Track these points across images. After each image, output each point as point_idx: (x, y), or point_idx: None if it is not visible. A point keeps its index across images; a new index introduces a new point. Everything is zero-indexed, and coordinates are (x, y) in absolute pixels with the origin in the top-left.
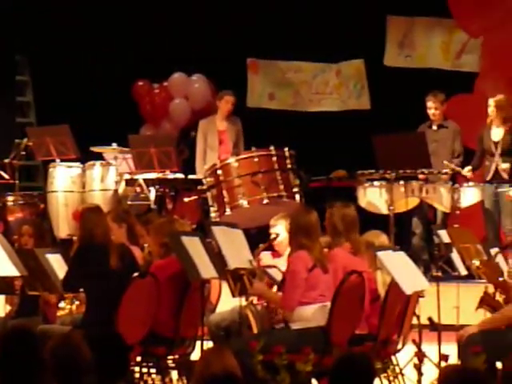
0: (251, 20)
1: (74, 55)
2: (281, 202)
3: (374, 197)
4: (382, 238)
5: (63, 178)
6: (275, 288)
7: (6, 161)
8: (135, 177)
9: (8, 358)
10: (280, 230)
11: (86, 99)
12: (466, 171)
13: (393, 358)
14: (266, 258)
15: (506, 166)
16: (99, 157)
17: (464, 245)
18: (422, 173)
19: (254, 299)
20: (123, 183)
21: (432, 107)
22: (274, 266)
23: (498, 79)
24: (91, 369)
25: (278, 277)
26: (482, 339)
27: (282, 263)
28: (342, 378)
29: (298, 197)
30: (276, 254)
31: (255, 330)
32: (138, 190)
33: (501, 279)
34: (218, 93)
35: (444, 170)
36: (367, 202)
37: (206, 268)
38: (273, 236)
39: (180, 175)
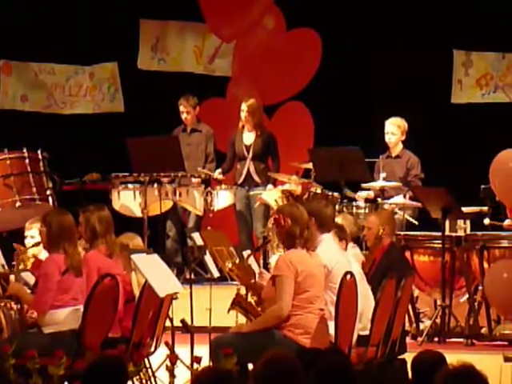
0: (4, 21)
1: None
2: (33, 204)
3: (127, 200)
4: (137, 241)
5: None
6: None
7: None
8: None
9: None
10: (35, 233)
11: None
12: (217, 174)
13: (146, 360)
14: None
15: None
16: None
17: (217, 247)
18: (176, 176)
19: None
20: None
21: (184, 111)
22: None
23: (249, 84)
24: None
25: (32, 280)
26: (233, 341)
27: None
28: (94, 381)
29: (51, 199)
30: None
31: (6, 334)
32: None
33: (252, 281)
34: None
35: (197, 174)
36: (121, 204)
37: None
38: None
39: None
